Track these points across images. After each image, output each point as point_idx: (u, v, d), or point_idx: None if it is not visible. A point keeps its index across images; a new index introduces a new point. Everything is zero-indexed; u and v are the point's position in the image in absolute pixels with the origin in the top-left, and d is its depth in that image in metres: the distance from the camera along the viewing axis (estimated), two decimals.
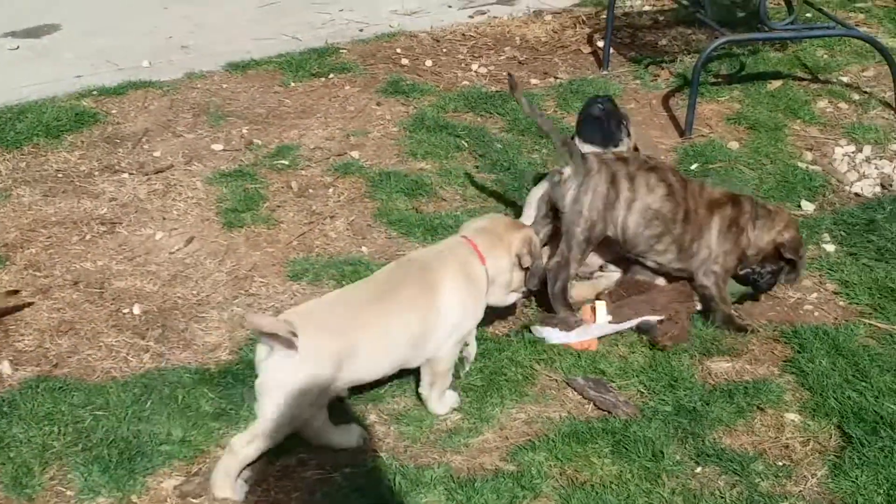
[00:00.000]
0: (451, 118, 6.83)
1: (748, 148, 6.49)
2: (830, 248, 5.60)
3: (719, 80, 7.30)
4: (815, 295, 5.29)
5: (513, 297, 4.72)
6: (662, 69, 7.48)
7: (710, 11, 6.70)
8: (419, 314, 4.31)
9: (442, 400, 4.54)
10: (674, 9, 8.22)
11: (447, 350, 4.44)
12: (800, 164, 6.34)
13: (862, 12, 8.20)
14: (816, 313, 5.18)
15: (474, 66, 7.56)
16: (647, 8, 8.46)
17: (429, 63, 7.60)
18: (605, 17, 7.58)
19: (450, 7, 8.57)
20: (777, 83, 7.19)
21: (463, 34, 8.07)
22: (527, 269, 4.61)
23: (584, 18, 8.27)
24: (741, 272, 5.15)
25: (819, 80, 7.27)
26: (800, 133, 6.68)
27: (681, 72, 7.37)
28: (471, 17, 8.38)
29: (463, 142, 6.55)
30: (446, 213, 5.86)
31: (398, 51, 7.77)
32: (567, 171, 4.95)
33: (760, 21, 6.62)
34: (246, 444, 4.09)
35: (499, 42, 7.94)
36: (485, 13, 8.43)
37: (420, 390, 4.56)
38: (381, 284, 4.38)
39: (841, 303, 5.24)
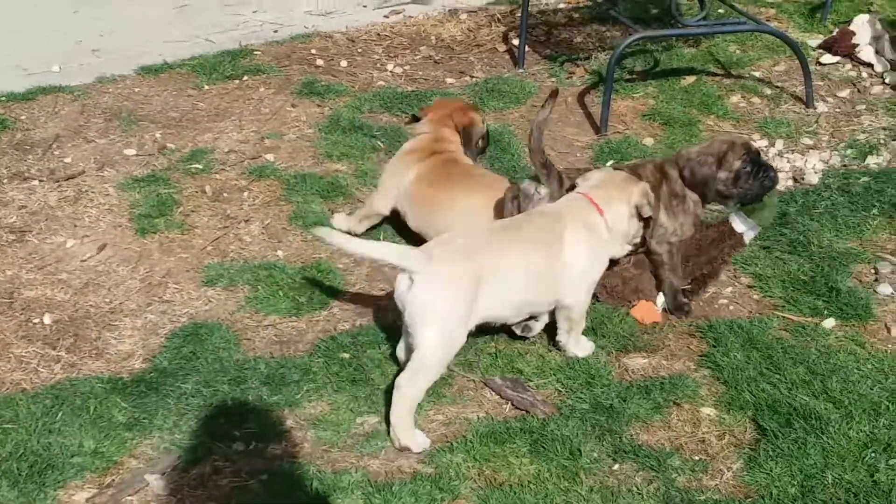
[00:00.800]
0: (367, 119, 6.79)
1: (663, 144, 6.53)
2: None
3: (634, 76, 7.33)
4: (729, 289, 5.33)
5: (627, 249, 4.91)
6: (577, 66, 7.50)
7: (622, 8, 6.72)
8: (542, 253, 4.58)
9: (580, 344, 4.82)
10: (588, 6, 8.25)
11: (579, 297, 4.72)
12: None
13: (773, 7, 8.29)
14: (731, 307, 5.22)
15: (390, 66, 7.53)
16: (562, 5, 8.49)
17: (344, 63, 7.56)
18: (520, 15, 7.58)
19: (365, 7, 8.52)
20: (691, 79, 7.25)
21: (378, 34, 8.03)
22: (647, 219, 4.81)
23: (500, 17, 8.27)
24: (732, 203, 5.14)
25: (732, 76, 7.34)
26: (713, 128, 6.73)
27: (596, 69, 7.40)
28: (386, 16, 8.35)
29: (378, 142, 6.52)
30: None
31: (313, 52, 7.71)
32: (543, 191, 4.94)
33: (672, 17, 6.65)
34: (409, 382, 4.31)
35: (414, 41, 7.92)
36: (400, 13, 8.40)
37: (558, 338, 4.80)
38: (506, 225, 4.72)
39: (755, 296, 5.28)
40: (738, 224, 5.24)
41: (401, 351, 4.69)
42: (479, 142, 5.80)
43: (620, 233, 4.77)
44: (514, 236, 4.58)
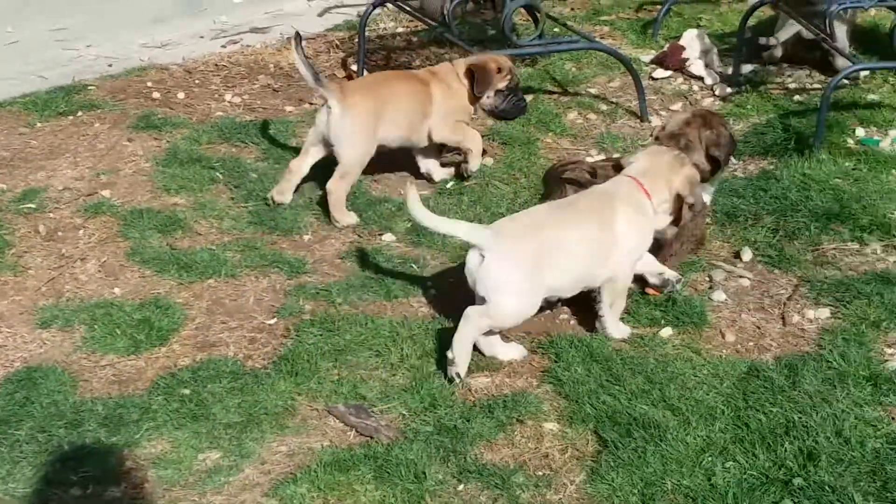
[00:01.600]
0: (205, 150, 6.72)
1: (502, 163, 6.59)
2: None
3: None
4: (572, 305, 5.39)
5: (668, 219, 5.20)
6: None
7: (455, 31, 6.76)
8: (597, 228, 4.94)
9: (619, 326, 5.11)
10: (427, 29, 8.29)
11: (625, 270, 5.05)
12: None
13: (607, 25, 8.45)
14: (573, 322, 5.27)
15: (228, 97, 7.47)
16: (400, 29, 8.53)
17: (181, 95, 7.47)
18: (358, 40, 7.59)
19: (202, 37, 8.44)
20: (528, 97, 7.30)
21: (216, 64, 7.96)
22: (691, 205, 5.11)
23: (338, 43, 8.27)
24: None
25: (568, 93, 7.45)
26: (552, 146, 6.82)
27: None
28: (223, 46, 8.28)
29: (217, 173, 6.45)
30: (202, 248, 5.75)
31: (149, 84, 7.61)
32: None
33: (506, 38, 6.72)
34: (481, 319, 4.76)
35: (252, 71, 7.86)
36: (237, 42, 8.34)
37: (600, 313, 5.06)
38: (564, 203, 5.11)
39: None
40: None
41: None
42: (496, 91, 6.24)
43: (665, 211, 5.14)
44: (572, 213, 5.00)
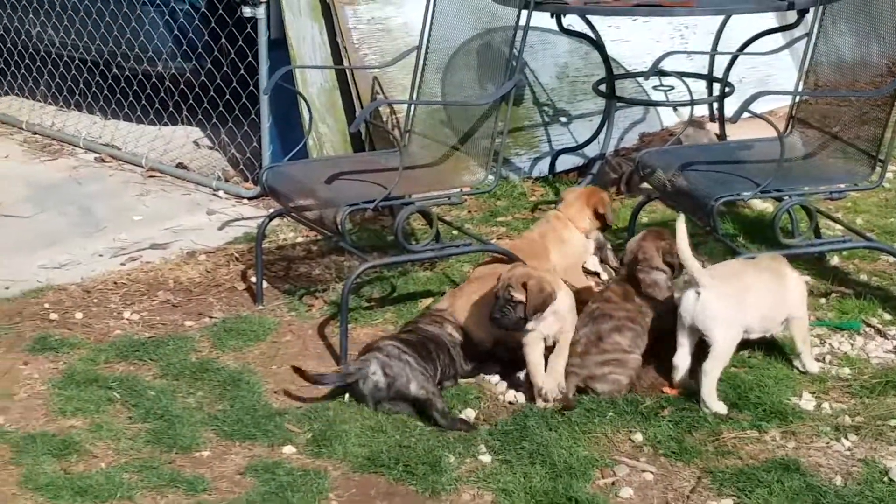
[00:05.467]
0: (103, 370, 6.64)
1: None
2: (486, 458, 5.69)
3: (372, 303, 7.44)
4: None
5: None
6: (317, 298, 7.57)
7: (347, 239, 6.84)
8: (775, 279, 6.20)
9: (812, 360, 6.31)
10: (325, 239, 8.37)
11: (804, 312, 6.29)
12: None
13: (503, 226, 8.61)
14: None
15: (126, 314, 7.42)
16: (300, 239, 8.60)
17: (79, 315, 7.41)
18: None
19: (101, 256, 8.43)
20: (427, 300, 7.40)
21: (115, 282, 7.94)
22: None
23: (238, 255, 8.31)
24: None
25: None
26: None
27: (334, 300, 7.47)
28: (123, 264, 8.27)
29: (115, 393, 6.36)
30: (97, 471, 5.63)
31: (46, 305, 7.55)
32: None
33: (399, 244, 6.81)
34: (711, 367, 5.89)
35: (152, 287, 7.85)
36: (137, 259, 8.34)
37: (797, 351, 6.28)
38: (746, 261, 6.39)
39: None
40: None
41: (678, 359, 6.12)
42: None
43: None
44: (753, 266, 6.23)
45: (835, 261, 7.70)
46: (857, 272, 7.55)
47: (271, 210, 8.01)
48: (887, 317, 6.90)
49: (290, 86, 8.38)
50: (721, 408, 5.89)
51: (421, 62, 7.76)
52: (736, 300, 5.94)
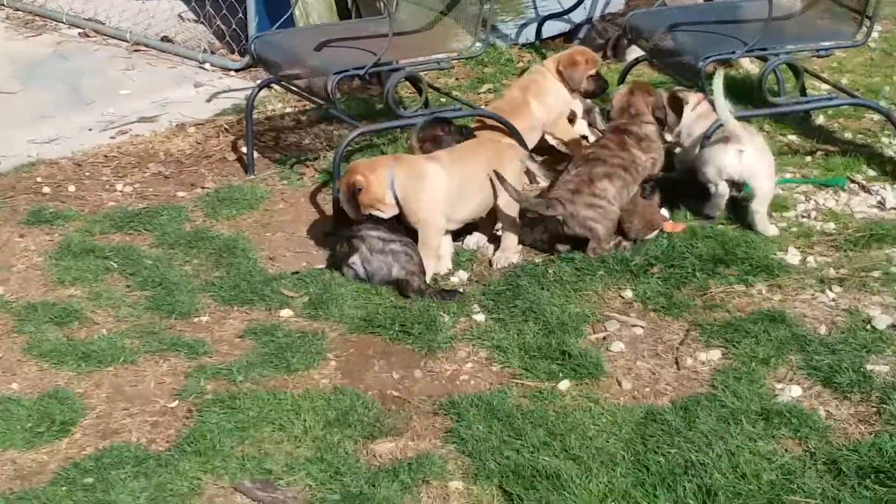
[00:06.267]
0: (99, 241, 6.71)
1: None
2: (480, 317, 5.81)
3: None
4: (469, 365, 5.47)
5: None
6: (308, 167, 7.61)
7: (338, 106, 6.86)
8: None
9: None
10: (315, 108, 8.39)
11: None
12: None
13: (491, 93, 8.61)
14: (472, 382, 5.35)
15: (119, 186, 7.47)
16: (288, 110, 8.61)
17: (72, 188, 7.46)
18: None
19: (90, 130, 8.43)
20: None
21: (105, 156, 7.96)
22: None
23: (227, 127, 8.32)
24: None
25: None
26: None
27: (325, 167, 7.51)
28: (112, 137, 8.28)
29: (112, 262, 6.44)
30: (99, 337, 5.74)
31: (39, 180, 7.58)
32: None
33: (390, 110, 6.84)
34: (760, 206, 6.34)
35: (143, 159, 7.88)
36: (126, 132, 8.35)
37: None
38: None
39: (494, 368, 5.44)
40: None
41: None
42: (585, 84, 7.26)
43: None
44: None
45: (820, 119, 7.77)
46: (842, 130, 7.63)
47: (259, 81, 8.00)
48: (871, 173, 7.01)
49: None
50: (774, 230, 6.36)
51: None
52: (770, 154, 6.46)
